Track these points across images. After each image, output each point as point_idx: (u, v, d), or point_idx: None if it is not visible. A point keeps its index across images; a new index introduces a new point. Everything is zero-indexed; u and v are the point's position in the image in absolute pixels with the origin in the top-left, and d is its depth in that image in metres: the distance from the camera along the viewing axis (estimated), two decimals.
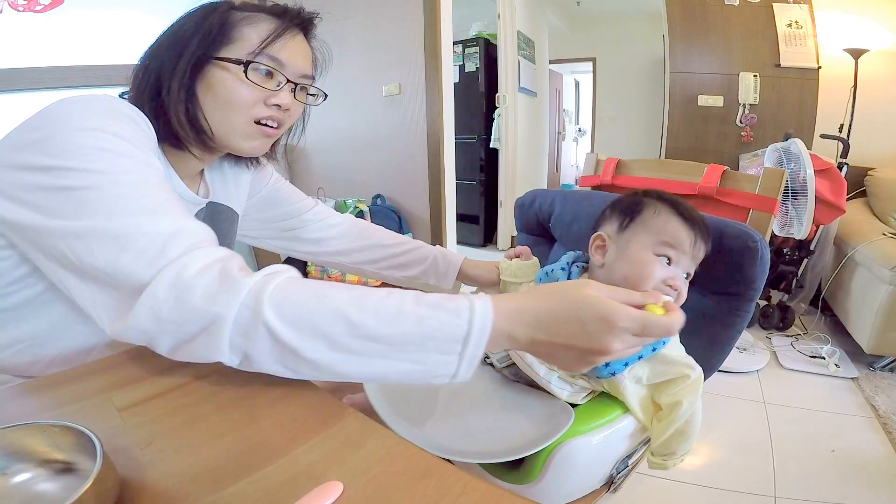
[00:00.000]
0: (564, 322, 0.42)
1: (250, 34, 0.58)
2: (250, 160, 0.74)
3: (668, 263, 0.66)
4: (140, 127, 0.53)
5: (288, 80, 0.61)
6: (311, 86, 0.67)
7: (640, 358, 0.63)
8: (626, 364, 0.62)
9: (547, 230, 1.10)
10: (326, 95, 0.70)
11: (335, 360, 0.41)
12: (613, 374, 0.63)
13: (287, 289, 0.42)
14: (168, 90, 0.57)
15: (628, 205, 0.72)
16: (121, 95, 0.60)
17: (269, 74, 0.60)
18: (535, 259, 0.84)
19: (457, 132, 2.45)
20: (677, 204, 0.69)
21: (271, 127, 0.63)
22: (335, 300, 0.42)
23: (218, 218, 0.74)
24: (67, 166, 0.45)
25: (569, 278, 0.73)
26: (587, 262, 0.75)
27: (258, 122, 0.62)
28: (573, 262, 0.76)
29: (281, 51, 0.59)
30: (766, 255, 0.74)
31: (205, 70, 0.58)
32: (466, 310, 0.42)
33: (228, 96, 0.58)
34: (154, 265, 0.42)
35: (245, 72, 0.57)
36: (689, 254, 0.67)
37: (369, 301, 0.42)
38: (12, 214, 0.46)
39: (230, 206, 0.77)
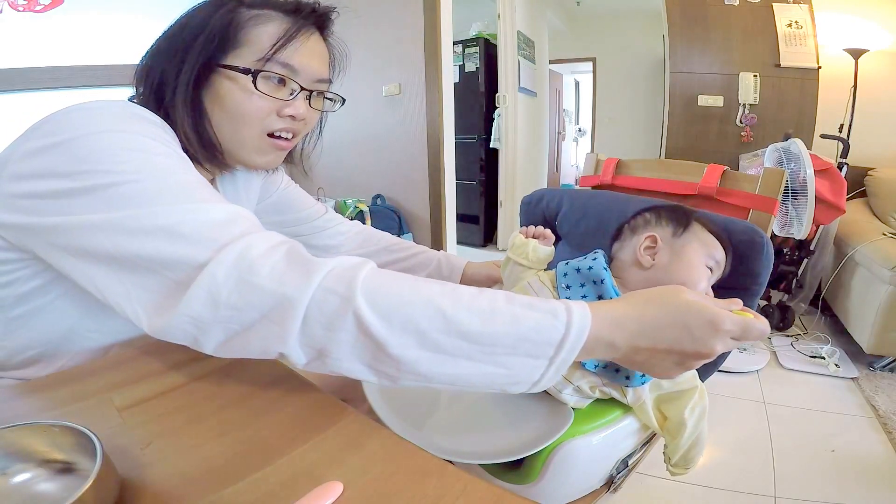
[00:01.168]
0: (669, 328, 0.42)
1: (260, 36, 0.53)
2: None
3: (711, 272, 0.69)
4: (163, 129, 0.50)
5: (302, 88, 0.57)
6: (327, 91, 0.62)
7: None
8: None
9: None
10: (344, 100, 0.65)
11: (421, 358, 0.38)
12: (643, 382, 0.62)
13: (379, 277, 0.40)
14: (172, 101, 0.52)
15: (677, 214, 0.73)
16: (129, 99, 0.56)
17: (282, 82, 0.55)
18: (553, 248, 0.78)
19: (457, 132, 2.45)
20: (710, 226, 0.73)
21: (285, 139, 0.59)
22: (429, 292, 0.40)
23: None
24: (98, 169, 0.41)
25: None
26: (610, 263, 0.74)
27: (271, 135, 0.58)
28: (604, 261, 0.72)
29: (294, 55, 0.54)
30: (771, 250, 0.76)
31: (211, 79, 0.53)
32: (563, 312, 0.40)
33: (237, 109, 0.54)
34: (212, 246, 0.39)
35: (254, 82, 0.52)
36: (721, 268, 0.70)
37: (462, 296, 0.40)
38: (26, 220, 0.43)
39: None
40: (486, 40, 3.42)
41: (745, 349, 1.89)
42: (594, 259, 0.69)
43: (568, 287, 0.68)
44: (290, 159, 0.71)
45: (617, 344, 0.42)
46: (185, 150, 0.54)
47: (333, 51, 0.63)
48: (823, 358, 1.81)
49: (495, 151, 3.53)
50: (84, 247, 0.41)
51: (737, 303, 0.46)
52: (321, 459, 0.38)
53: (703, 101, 2.85)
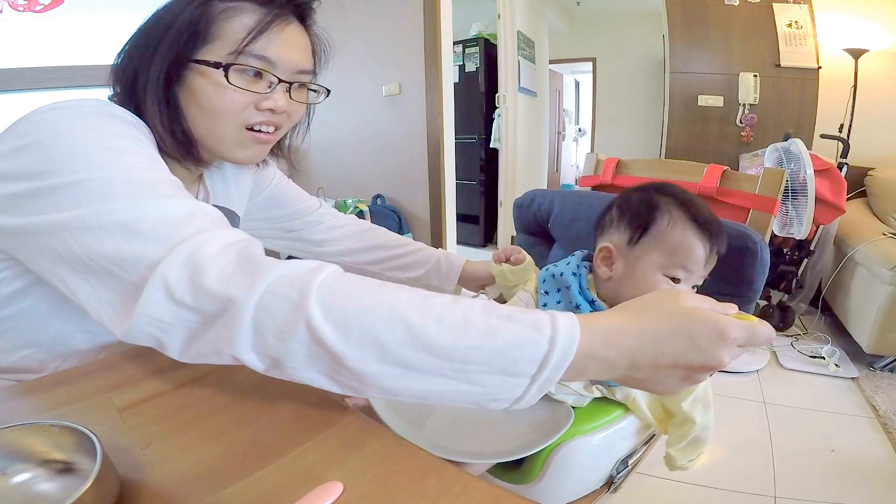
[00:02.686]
0: (671, 340, 0.38)
1: (232, 29, 0.51)
2: None
3: (678, 282, 0.62)
4: (137, 128, 0.50)
5: (280, 80, 0.55)
6: (310, 83, 0.60)
7: None
8: None
9: (546, 230, 1.10)
10: (329, 91, 0.63)
11: (382, 373, 0.35)
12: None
13: (338, 282, 0.37)
14: (144, 98, 0.52)
15: (639, 211, 0.65)
16: (109, 98, 0.55)
17: (259, 75, 0.53)
18: (529, 259, 0.77)
19: (457, 132, 2.45)
20: (692, 206, 0.63)
21: (266, 133, 0.58)
22: (394, 300, 0.36)
23: None
24: (65, 168, 0.41)
25: (579, 281, 0.67)
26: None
27: (251, 129, 0.56)
28: (581, 262, 0.69)
29: (269, 47, 0.52)
30: (766, 255, 0.74)
31: (183, 75, 0.52)
32: (548, 324, 0.36)
33: (211, 104, 0.52)
34: (165, 244, 0.37)
35: (226, 76, 0.51)
36: (701, 270, 0.63)
37: (433, 305, 0.37)
38: (2, 222, 0.43)
39: (231, 209, 0.74)
40: (486, 40, 3.42)
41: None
42: (567, 263, 0.68)
43: (546, 293, 0.68)
44: (279, 154, 0.70)
45: (613, 361, 0.37)
46: (162, 149, 0.53)
47: (316, 41, 0.61)
48: (823, 358, 1.81)
49: (495, 151, 3.53)
50: (53, 247, 0.40)
51: (732, 307, 0.42)
52: (321, 459, 0.38)
53: (703, 101, 2.85)
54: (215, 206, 0.69)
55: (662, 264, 0.62)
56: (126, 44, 0.54)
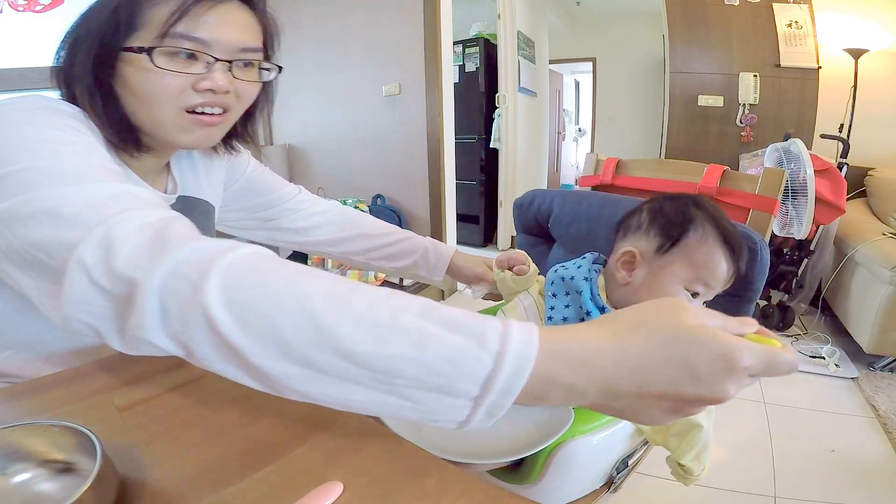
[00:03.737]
0: (663, 367, 0.30)
1: (159, 13, 0.49)
2: (218, 147, 0.66)
3: (694, 296, 0.62)
4: (78, 119, 0.48)
5: (218, 60, 0.52)
6: (258, 60, 0.57)
7: None
8: None
9: (546, 230, 1.10)
10: (281, 68, 0.60)
11: (290, 373, 0.30)
12: None
13: (251, 266, 0.32)
14: (78, 92, 0.52)
15: (673, 221, 0.64)
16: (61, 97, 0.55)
17: (193, 56, 0.51)
18: (534, 268, 0.76)
19: (457, 132, 2.45)
20: (724, 224, 0.62)
21: (211, 114, 0.55)
22: (308, 290, 0.31)
23: (192, 212, 0.66)
24: (1, 162, 0.40)
25: (591, 287, 0.66)
26: (604, 264, 0.70)
27: (192, 112, 0.54)
28: (593, 266, 0.68)
29: (198, 27, 0.50)
30: (766, 256, 0.74)
31: (115, 65, 0.51)
32: (496, 339, 0.29)
33: (143, 90, 0.51)
34: (85, 226, 0.35)
35: (151, 60, 0.49)
36: (719, 288, 0.63)
37: (357, 300, 0.31)
38: None
39: (204, 199, 0.71)
40: (486, 40, 3.42)
41: None
42: (578, 267, 0.67)
43: (554, 295, 0.67)
44: (248, 139, 0.69)
45: (580, 388, 0.30)
46: (111, 142, 0.52)
47: (263, 18, 0.58)
48: (823, 358, 1.81)
49: (495, 151, 3.53)
50: None
51: (751, 324, 0.34)
52: (321, 459, 0.38)
53: (703, 101, 2.85)
54: (187, 196, 0.68)
55: (686, 278, 0.61)
56: (61, 42, 0.54)
